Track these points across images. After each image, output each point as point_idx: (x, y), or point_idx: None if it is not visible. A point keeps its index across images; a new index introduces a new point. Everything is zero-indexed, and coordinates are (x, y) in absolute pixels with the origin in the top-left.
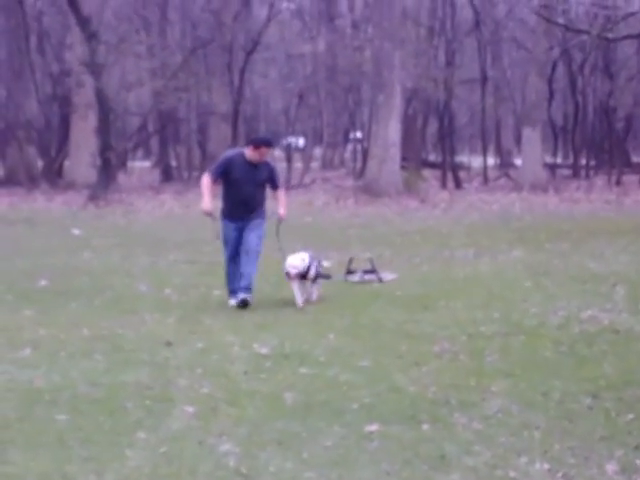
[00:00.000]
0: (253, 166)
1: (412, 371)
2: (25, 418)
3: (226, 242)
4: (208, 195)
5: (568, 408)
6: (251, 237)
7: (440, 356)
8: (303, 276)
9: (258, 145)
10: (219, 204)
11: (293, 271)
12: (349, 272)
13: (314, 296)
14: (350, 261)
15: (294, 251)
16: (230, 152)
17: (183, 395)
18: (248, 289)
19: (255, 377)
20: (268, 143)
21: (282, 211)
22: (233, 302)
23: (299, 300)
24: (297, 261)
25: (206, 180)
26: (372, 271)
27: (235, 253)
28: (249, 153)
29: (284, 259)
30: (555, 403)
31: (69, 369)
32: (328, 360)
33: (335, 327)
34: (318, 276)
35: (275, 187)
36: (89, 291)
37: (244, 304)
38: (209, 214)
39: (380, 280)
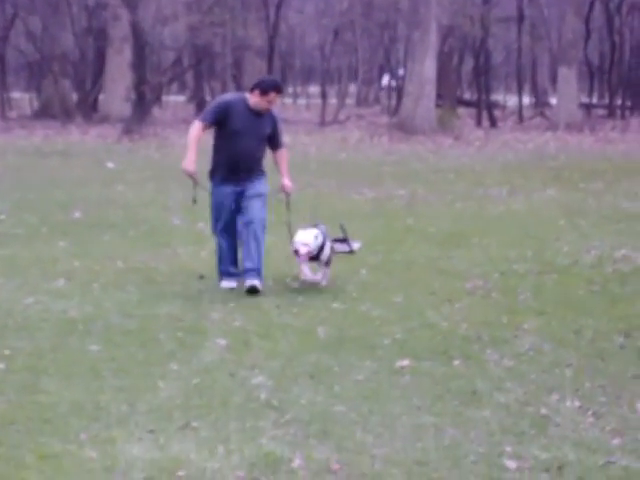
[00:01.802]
0: (257, 116)
1: (444, 307)
2: (59, 348)
3: (218, 211)
4: (194, 150)
5: (600, 346)
6: (254, 206)
7: (472, 293)
8: (314, 258)
9: (266, 90)
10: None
11: (303, 249)
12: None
13: (324, 281)
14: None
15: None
16: (228, 95)
17: (216, 328)
18: (258, 273)
19: (287, 311)
20: (278, 88)
21: (287, 182)
22: (227, 284)
23: (307, 275)
24: (309, 237)
25: (195, 130)
26: (343, 239)
27: (229, 224)
28: (254, 100)
29: (292, 236)
30: (587, 341)
31: (102, 300)
32: (360, 295)
33: (367, 263)
34: (329, 261)
35: (277, 145)
36: (123, 224)
37: (253, 291)
38: (191, 175)
39: (352, 251)
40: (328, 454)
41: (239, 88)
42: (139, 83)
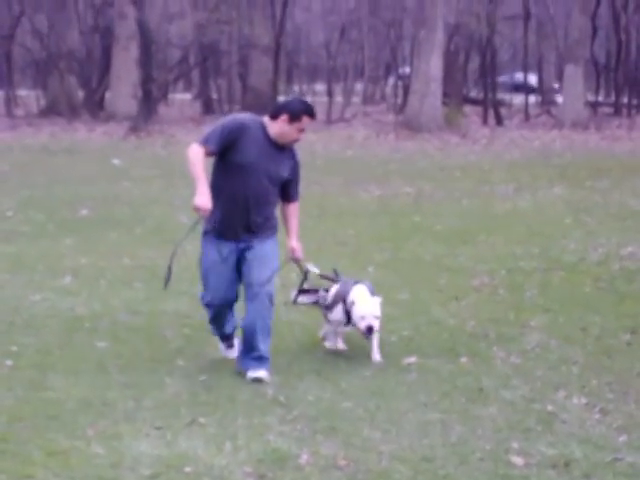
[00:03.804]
0: (276, 150)
1: (451, 305)
2: (66, 345)
3: (209, 274)
4: (204, 180)
5: (606, 344)
6: (261, 269)
7: (479, 290)
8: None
9: (298, 114)
10: None
11: (377, 322)
12: (302, 291)
13: (378, 355)
14: (305, 275)
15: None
16: (243, 115)
17: None
18: (265, 361)
19: (294, 308)
20: (312, 111)
21: (296, 244)
22: (230, 353)
23: (340, 344)
24: (377, 306)
25: (197, 154)
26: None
27: (227, 296)
28: (278, 128)
29: (328, 310)
30: (594, 338)
31: (109, 297)
32: None
33: (375, 260)
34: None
35: (291, 196)
36: (129, 221)
37: (258, 380)
38: (205, 213)
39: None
40: (335, 450)
41: (245, 86)
42: (145, 81)
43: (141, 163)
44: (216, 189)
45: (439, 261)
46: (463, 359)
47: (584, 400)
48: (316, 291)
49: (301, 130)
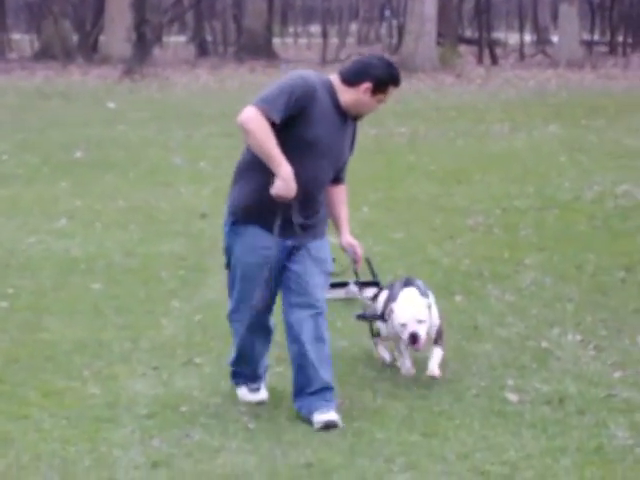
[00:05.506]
0: (343, 121)
1: (446, 244)
2: (61, 287)
3: (246, 279)
4: (281, 156)
5: (601, 281)
6: (316, 279)
7: (474, 229)
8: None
9: (385, 83)
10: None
11: (422, 329)
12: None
13: (436, 369)
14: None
15: None
16: (310, 75)
17: (217, 265)
18: (332, 391)
19: None
20: (399, 81)
21: (351, 239)
22: (254, 397)
23: (408, 364)
24: (422, 309)
25: (260, 122)
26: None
27: (269, 301)
28: (356, 96)
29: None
30: (588, 276)
31: (104, 239)
32: (362, 232)
33: (369, 200)
34: (441, 334)
35: (343, 178)
36: (124, 163)
37: (331, 426)
38: (288, 199)
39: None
40: None
41: (240, 28)
42: (139, 23)
43: (136, 106)
44: (262, 169)
45: (434, 201)
46: (458, 297)
47: (579, 337)
48: (345, 284)
49: (381, 102)
